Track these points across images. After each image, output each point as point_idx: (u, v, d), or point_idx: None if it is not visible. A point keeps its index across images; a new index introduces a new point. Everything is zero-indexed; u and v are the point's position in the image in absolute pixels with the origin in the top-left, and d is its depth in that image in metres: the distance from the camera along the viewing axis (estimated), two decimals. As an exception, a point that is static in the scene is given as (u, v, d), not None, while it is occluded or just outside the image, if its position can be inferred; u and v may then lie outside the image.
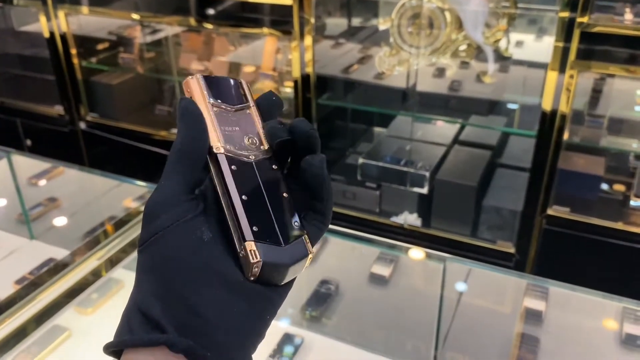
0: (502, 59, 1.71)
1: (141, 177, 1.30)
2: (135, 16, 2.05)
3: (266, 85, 1.87)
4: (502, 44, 1.69)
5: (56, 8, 2.07)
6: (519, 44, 1.79)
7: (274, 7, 1.74)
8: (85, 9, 2.10)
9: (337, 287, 1.13)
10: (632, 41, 1.36)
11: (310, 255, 0.36)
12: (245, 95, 0.39)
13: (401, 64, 1.71)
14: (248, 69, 1.99)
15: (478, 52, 1.70)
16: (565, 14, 1.34)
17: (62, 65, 2.17)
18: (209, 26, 1.92)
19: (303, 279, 1.17)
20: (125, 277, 1.07)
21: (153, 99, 2.26)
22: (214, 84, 0.38)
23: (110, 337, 0.35)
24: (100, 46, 2.25)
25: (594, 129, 1.58)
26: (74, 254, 0.98)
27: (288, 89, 1.85)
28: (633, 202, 1.54)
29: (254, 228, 0.34)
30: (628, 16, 1.40)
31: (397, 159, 1.74)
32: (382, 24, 1.79)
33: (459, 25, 1.62)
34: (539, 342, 1.00)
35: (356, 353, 1.00)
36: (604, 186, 1.58)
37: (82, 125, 2.23)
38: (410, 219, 1.74)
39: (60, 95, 2.23)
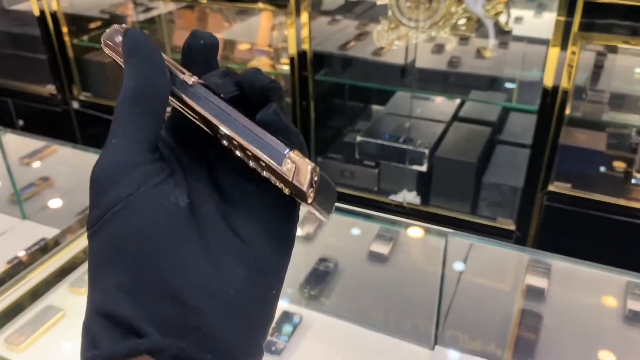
0: (502, 33, 1.68)
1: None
2: (127, -7, 2.00)
3: (262, 62, 1.83)
4: (502, 18, 1.65)
5: (46, -15, 2.02)
6: (518, 20, 1.75)
7: (269, -18, 1.70)
8: (75, -15, 2.05)
9: (336, 265, 1.11)
10: (636, 12, 1.33)
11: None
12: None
13: (400, 39, 1.67)
14: (243, 46, 1.95)
15: (478, 26, 1.67)
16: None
17: (54, 43, 2.12)
18: (203, 0, 1.87)
19: (301, 257, 1.16)
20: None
21: (147, 78, 2.21)
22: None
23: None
24: (92, 25, 2.20)
25: (595, 104, 1.56)
26: (65, 232, 0.96)
27: (284, 66, 1.81)
28: (634, 180, 1.52)
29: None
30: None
31: (396, 136, 1.71)
32: (380, -2, 1.75)
33: (459, -2, 1.58)
34: (542, 319, 0.99)
35: (355, 331, 0.99)
36: (606, 162, 1.57)
37: (75, 104, 2.19)
38: (409, 197, 1.72)
39: (52, 74, 2.19)
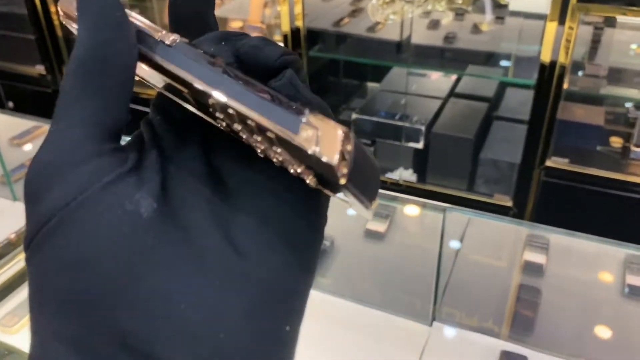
0: (499, 7, 1.65)
1: (128, 135, 1.25)
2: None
3: (255, 39, 1.80)
4: (499, -8, 1.62)
5: (31, -38, 1.97)
6: (514, -7, 1.72)
7: (261, -44, 1.66)
8: (62, -38, 2.00)
9: (332, 244, 1.10)
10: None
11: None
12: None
13: (395, 14, 1.64)
14: (235, 23, 1.91)
15: (474, 0, 1.64)
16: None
17: (41, 23, 2.08)
18: (193, -22, 1.83)
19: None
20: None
21: (138, 56, 2.18)
22: None
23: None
24: (80, 3, 2.15)
25: (593, 79, 1.54)
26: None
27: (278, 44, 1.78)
28: (633, 154, 1.51)
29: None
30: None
31: (392, 113, 1.69)
32: (375, -28, 1.71)
33: (455, -29, 1.55)
34: (540, 294, 0.98)
35: (353, 308, 0.98)
36: (604, 137, 1.55)
37: (65, 85, 2.16)
38: (405, 174, 1.71)
39: (40, 54, 2.15)
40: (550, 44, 1.37)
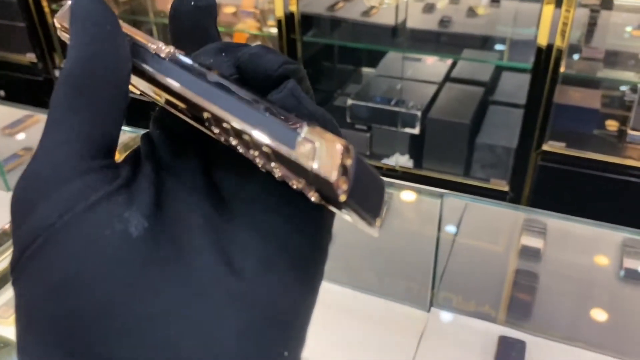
0: (495, -10, 1.64)
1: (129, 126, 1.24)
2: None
3: (248, 25, 1.77)
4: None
5: (19, -53, 1.93)
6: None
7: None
8: (51, -53, 1.96)
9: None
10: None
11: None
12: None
13: (390, -2, 1.62)
14: (228, 9, 1.88)
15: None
16: None
17: (32, 10, 2.05)
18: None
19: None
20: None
21: (130, 43, 2.15)
22: None
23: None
24: (70, -11, 2.12)
25: (589, 62, 1.53)
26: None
27: (272, 29, 1.76)
28: (629, 138, 1.50)
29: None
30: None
31: (387, 99, 1.68)
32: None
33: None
34: (537, 278, 0.98)
35: (350, 295, 0.98)
36: (601, 120, 1.55)
37: (57, 73, 2.13)
38: (401, 160, 1.70)
39: (31, 42, 2.12)
40: (547, 27, 1.35)
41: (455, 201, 0.98)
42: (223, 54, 0.21)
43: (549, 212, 1.01)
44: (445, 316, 0.94)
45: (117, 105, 0.19)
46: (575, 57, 1.54)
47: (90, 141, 0.19)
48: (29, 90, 2.24)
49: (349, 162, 0.17)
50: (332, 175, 0.16)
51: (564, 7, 1.32)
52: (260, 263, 0.19)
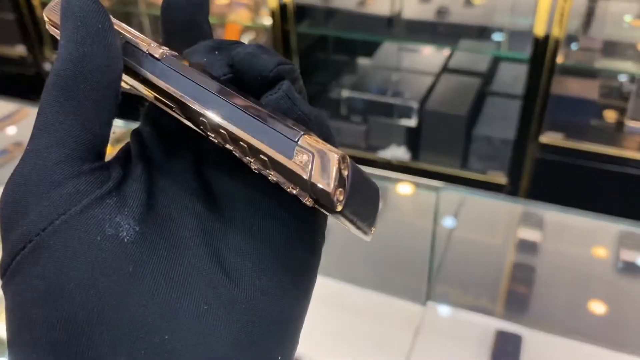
0: (492, -21, 1.62)
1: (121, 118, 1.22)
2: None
3: (241, 16, 1.75)
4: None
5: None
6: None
7: None
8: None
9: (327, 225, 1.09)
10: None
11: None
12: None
13: (385, -13, 1.60)
14: (221, 0, 1.86)
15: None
16: None
17: (20, 2, 2.02)
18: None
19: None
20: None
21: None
22: None
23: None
24: (61, -20, 2.09)
25: (587, 52, 1.52)
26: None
27: (265, 20, 1.73)
28: (627, 129, 1.49)
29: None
30: None
31: (384, 90, 1.66)
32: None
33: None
34: (534, 271, 0.97)
35: (347, 289, 0.97)
36: (599, 111, 1.54)
37: (48, 66, 2.11)
38: (398, 153, 1.68)
39: (21, 35, 2.09)
40: (544, 16, 1.34)
41: (451, 194, 0.97)
42: (216, 52, 0.21)
43: (546, 204, 1.00)
44: (442, 310, 0.93)
45: (108, 107, 0.19)
46: (573, 47, 1.53)
47: (80, 144, 0.18)
48: (18, 84, 2.21)
49: (345, 172, 0.17)
50: (329, 186, 0.17)
51: (561, -4, 1.30)
52: (255, 268, 0.19)
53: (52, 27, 0.22)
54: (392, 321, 0.91)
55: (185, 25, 0.22)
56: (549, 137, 1.48)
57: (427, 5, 1.71)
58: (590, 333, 0.87)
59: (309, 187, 0.17)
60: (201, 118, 0.19)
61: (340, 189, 0.17)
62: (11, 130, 1.45)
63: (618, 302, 0.94)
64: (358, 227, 0.19)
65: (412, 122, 1.63)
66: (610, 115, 1.54)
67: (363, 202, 0.18)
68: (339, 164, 0.17)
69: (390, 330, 0.89)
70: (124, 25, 0.21)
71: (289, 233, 0.20)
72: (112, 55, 0.19)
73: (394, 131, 1.68)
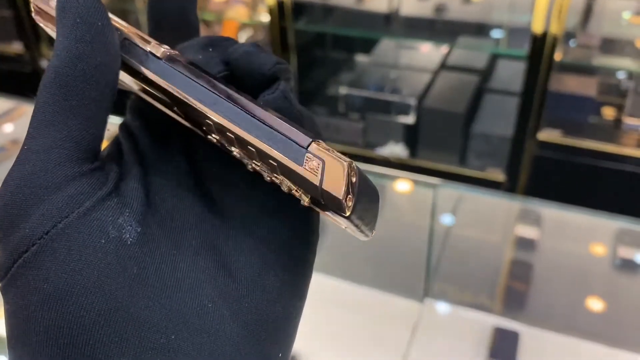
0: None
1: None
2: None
3: (239, 12, 1.74)
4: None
5: None
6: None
7: None
8: None
9: (323, 222, 1.08)
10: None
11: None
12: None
13: (383, -16, 1.59)
14: (219, -4, 1.85)
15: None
16: None
17: (17, -2, 2.01)
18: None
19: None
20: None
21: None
22: None
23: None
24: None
25: (585, 49, 1.52)
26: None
27: (263, 16, 1.73)
28: (625, 126, 1.49)
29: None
30: None
31: (382, 87, 1.66)
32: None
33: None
34: (532, 268, 0.97)
35: (344, 287, 0.97)
36: (597, 108, 1.54)
37: (44, 63, 2.10)
38: (396, 150, 1.68)
39: (17, 32, 2.08)
40: (542, 13, 1.34)
41: (449, 191, 0.97)
42: (210, 49, 0.21)
43: (544, 201, 1.00)
44: (439, 306, 0.93)
45: (106, 105, 0.19)
46: (571, 44, 1.52)
47: (80, 144, 0.18)
48: (15, 81, 2.20)
49: (353, 179, 0.18)
50: (341, 192, 0.17)
51: (559, -7, 1.30)
52: (257, 266, 0.19)
53: (41, 18, 0.21)
54: (389, 318, 0.91)
55: (173, 16, 0.22)
56: (547, 134, 1.48)
57: (425, 2, 1.71)
58: (587, 330, 0.87)
59: (319, 193, 0.18)
60: (207, 120, 0.19)
61: (350, 195, 0.18)
62: (8, 127, 1.45)
63: (615, 299, 0.94)
64: (361, 231, 0.19)
65: (410, 119, 1.62)
66: (608, 113, 1.54)
67: (367, 207, 0.19)
68: (348, 172, 0.18)
69: (388, 327, 0.89)
70: (121, 21, 0.20)
71: (288, 231, 0.20)
72: (111, 54, 0.19)
73: (392, 128, 1.68)
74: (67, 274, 0.17)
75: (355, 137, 1.73)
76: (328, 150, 0.18)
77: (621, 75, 1.61)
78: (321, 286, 0.96)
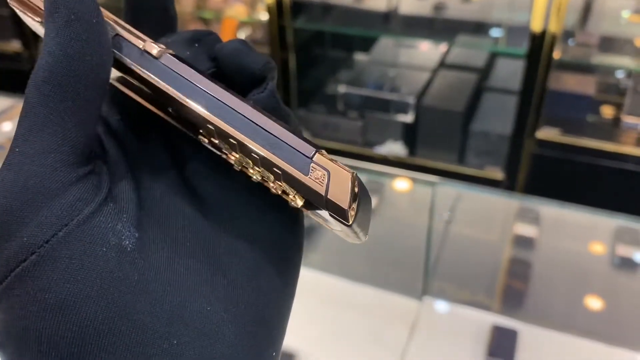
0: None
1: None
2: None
3: (237, 10, 1.74)
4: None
5: None
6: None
7: None
8: None
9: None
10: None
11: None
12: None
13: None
14: (218, -5, 1.85)
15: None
16: None
17: (16, -3, 2.01)
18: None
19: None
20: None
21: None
22: None
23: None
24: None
25: (584, 47, 1.52)
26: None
27: (262, 15, 1.73)
28: (624, 125, 1.49)
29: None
30: None
31: (381, 85, 1.66)
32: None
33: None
34: (531, 267, 0.97)
35: (343, 284, 0.97)
36: (595, 106, 1.54)
37: (44, 62, 2.10)
38: (395, 148, 1.68)
39: (16, 30, 2.08)
40: (541, 11, 1.33)
41: (448, 189, 0.96)
42: (196, 45, 0.21)
43: (542, 199, 1.00)
44: (438, 305, 0.93)
45: (98, 106, 0.18)
46: (570, 42, 1.52)
47: (75, 147, 0.17)
48: (13, 80, 2.20)
49: (356, 190, 0.18)
50: (346, 203, 0.18)
51: (558, -8, 1.30)
52: (250, 268, 0.20)
53: (17, 4, 0.19)
54: (388, 316, 0.90)
55: (152, 9, 0.22)
56: (545, 133, 1.48)
57: (424, 1, 1.71)
58: (586, 328, 0.87)
59: (324, 202, 0.18)
60: (208, 125, 0.19)
61: (353, 205, 0.18)
62: (6, 126, 1.44)
63: (614, 298, 0.94)
64: (358, 237, 0.20)
65: (408, 118, 1.62)
66: (607, 111, 1.54)
67: (365, 214, 0.19)
68: (353, 183, 0.18)
69: (387, 325, 0.89)
70: (113, 16, 0.20)
71: (278, 232, 0.21)
72: (106, 52, 0.18)
73: (391, 127, 1.68)
74: (70, 283, 0.16)
75: (354, 135, 1.73)
76: (331, 160, 0.18)
77: (620, 74, 1.60)
78: (320, 284, 0.96)
